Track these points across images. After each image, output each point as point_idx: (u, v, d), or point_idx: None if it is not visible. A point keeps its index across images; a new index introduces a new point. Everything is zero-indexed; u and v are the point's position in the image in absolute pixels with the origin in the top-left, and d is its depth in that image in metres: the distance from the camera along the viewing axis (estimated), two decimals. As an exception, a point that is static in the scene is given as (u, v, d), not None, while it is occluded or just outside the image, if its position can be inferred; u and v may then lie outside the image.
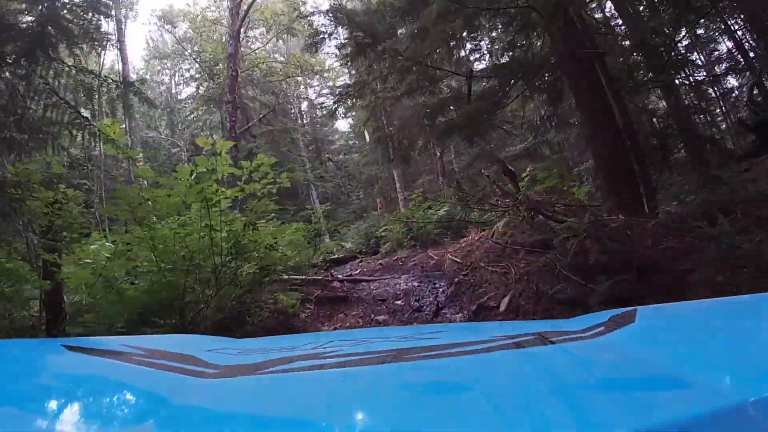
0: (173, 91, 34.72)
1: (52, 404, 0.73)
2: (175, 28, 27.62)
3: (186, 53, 26.62)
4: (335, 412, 0.68)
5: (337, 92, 9.18)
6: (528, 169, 10.99)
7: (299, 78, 26.96)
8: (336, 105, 9.13)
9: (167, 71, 33.89)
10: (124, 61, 16.99)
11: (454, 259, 8.03)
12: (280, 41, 26.14)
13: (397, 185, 13.08)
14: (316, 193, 28.38)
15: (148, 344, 1.21)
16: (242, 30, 22.77)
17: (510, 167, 9.40)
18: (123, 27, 17.60)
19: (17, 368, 0.91)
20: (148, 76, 34.22)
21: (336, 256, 16.22)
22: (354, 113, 31.10)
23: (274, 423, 0.64)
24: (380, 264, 10.32)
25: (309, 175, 27.37)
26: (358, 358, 1.02)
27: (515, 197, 7.54)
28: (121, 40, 17.11)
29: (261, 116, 25.91)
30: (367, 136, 26.46)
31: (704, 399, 0.57)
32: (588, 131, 7.17)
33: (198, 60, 25.73)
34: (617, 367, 0.81)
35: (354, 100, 9.07)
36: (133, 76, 34.19)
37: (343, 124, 37.00)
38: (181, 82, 33.43)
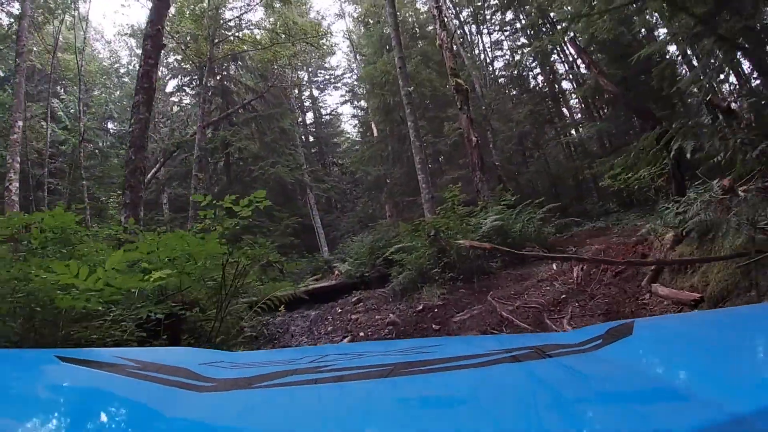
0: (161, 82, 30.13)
1: (45, 416, 0.71)
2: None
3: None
4: (330, 427, 0.67)
5: None
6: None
7: (295, 60, 22.15)
8: None
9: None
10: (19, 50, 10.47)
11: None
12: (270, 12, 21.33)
13: (420, 177, 8.05)
14: (315, 198, 23.49)
15: (142, 356, 1.19)
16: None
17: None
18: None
19: (10, 379, 0.90)
20: (131, 65, 30.03)
21: (324, 283, 11.42)
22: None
23: None
24: (390, 323, 5.34)
25: (304, 175, 22.55)
26: (355, 373, 1.02)
27: None
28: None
29: (246, 102, 21.25)
30: (375, 130, 21.75)
31: (701, 412, 0.57)
32: None
33: (175, 37, 20.86)
34: (615, 380, 0.80)
35: None
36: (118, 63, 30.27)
37: (349, 128, 32.62)
38: (169, 73, 28.72)
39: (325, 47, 20.04)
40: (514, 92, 22.47)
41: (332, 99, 33.32)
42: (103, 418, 0.72)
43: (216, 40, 18.11)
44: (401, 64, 8.70)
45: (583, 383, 0.83)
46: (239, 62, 22.29)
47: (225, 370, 1.12)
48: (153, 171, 19.93)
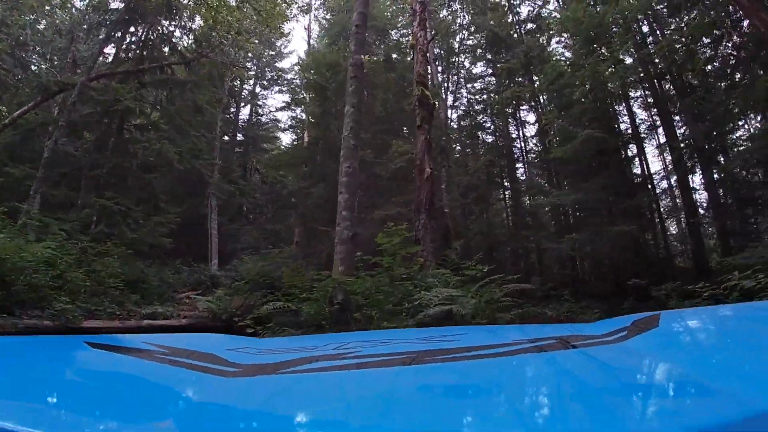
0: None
1: (78, 400, 0.72)
2: None
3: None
4: (354, 412, 0.66)
5: None
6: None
7: (241, 38, 18.42)
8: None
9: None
10: None
11: None
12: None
13: (341, 197, 4.66)
14: (217, 199, 19.43)
15: (170, 342, 1.21)
16: None
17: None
18: None
19: (44, 365, 0.93)
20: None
21: (168, 321, 7.71)
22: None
23: (292, 422, 0.62)
24: None
25: (213, 170, 18.60)
26: (378, 360, 1.01)
27: None
28: None
29: (166, 63, 17.11)
30: (306, 137, 18.48)
31: (727, 407, 0.54)
32: None
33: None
34: (640, 372, 0.79)
35: None
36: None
37: (286, 138, 28.70)
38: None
39: (277, 21, 16.56)
40: (470, 141, 20.44)
41: (275, 102, 29.42)
42: (133, 401, 0.71)
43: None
44: (359, 21, 5.73)
45: (608, 374, 0.81)
46: (176, 16, 18.26)
47: (251, 356, 1.15)
48: (19, 111, 14.95)
